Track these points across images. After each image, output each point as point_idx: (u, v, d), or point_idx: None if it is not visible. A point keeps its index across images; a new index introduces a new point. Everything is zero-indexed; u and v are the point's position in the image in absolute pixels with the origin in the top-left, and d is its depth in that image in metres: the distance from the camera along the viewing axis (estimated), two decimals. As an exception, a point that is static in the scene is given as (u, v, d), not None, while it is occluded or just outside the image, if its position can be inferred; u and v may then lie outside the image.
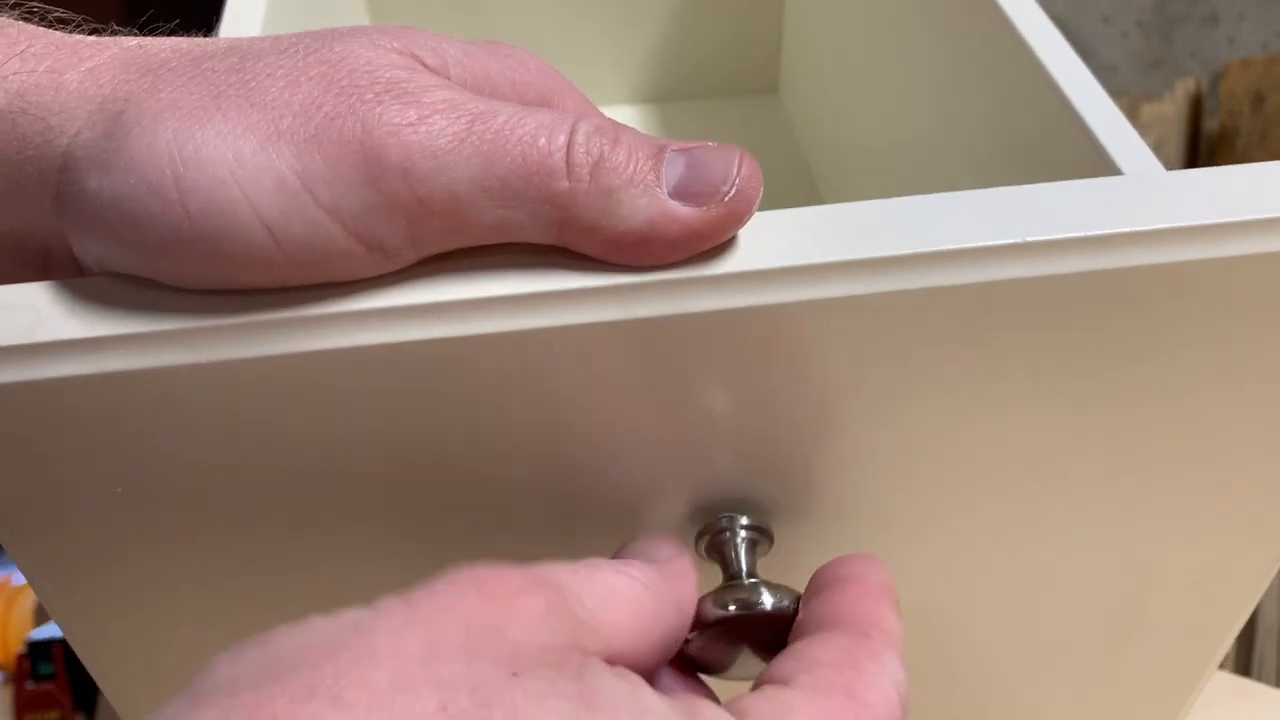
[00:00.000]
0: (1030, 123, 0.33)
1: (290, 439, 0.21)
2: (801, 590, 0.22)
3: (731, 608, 0.22)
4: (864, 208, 0.21)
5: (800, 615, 0.22)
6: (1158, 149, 1.30)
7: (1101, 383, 0.23)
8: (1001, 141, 0.35)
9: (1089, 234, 0.20)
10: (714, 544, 0.24)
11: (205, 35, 0.23)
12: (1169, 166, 0.29)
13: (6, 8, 0.22)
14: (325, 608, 0.25)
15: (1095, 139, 0.28)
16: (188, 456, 0.21)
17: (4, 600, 1.42)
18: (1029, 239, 0.20)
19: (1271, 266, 0.21)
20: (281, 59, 0.20)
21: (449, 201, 0.19)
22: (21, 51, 0.20)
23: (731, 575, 0.24)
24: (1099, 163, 0.28)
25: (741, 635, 0.22)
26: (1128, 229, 0.20)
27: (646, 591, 0.19)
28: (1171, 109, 1.34)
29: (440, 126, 0.19)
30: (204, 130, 0.19)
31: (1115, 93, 1.45)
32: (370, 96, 0.19)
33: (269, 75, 0.20)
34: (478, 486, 0.23)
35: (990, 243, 0.20)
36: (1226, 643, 0.32)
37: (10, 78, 0.20)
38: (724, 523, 0.24)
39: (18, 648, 1.16)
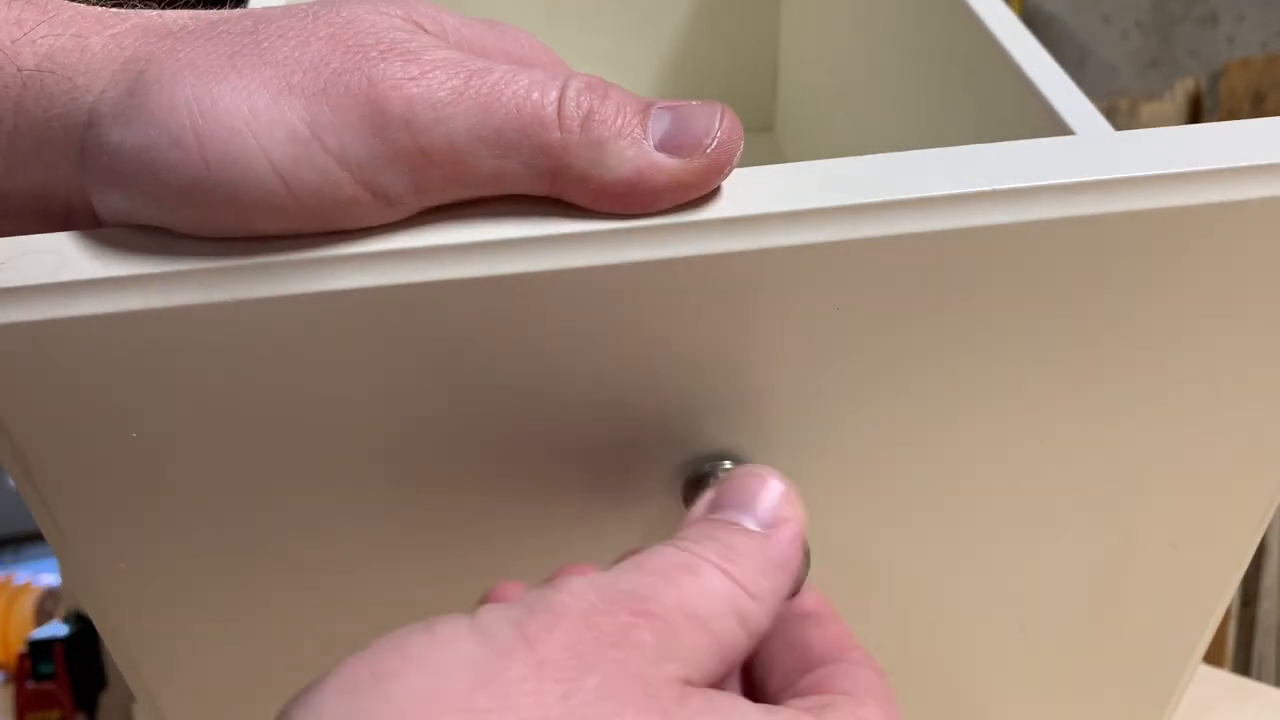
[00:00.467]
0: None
1: (299, 379, 0.22)
2: None
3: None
4: (842, 162, 0.22)
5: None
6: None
7: (1071, 335, 0.24)
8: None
9: (1050, 182, 0.21)
10: (699, 487, 0.26)
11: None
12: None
13: None
14: (336, 555, 0.26)
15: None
16: (202, 397, 0.23)
17: (4, 600, 1.43)
18: (995, 187, 0.21)
19: (1221, 216, 0.22)
20: (292, 22, 0.22)
21: (448, 151, 0.20)
22: (50, 18, 0.22)
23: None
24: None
25: None
26: (1084, 178, 0.21)
27: (749, 604, 0.20)
28: (1171, 109, 1.35)
29: (440, 80, 0.20)
30: (221, 86, 0.20)
31: (1115, 93, 1.46)
32: (375, 54, 0.21)
33: (280, 36, 0.21)
34: (467, 428, 0.24)
35: (959, 190, 0.21)
36: (1210, 622, 0.32)
37: (39, 41, 0.22)
38: (706, 469, 0.25)
39: (18, 647, 1.17)
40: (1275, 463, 0.28)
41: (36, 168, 0.22)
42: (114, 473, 0.24)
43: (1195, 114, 1.36)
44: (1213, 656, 1.09)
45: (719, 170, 0.21)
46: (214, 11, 0.23)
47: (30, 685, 1.09)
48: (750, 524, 0.21)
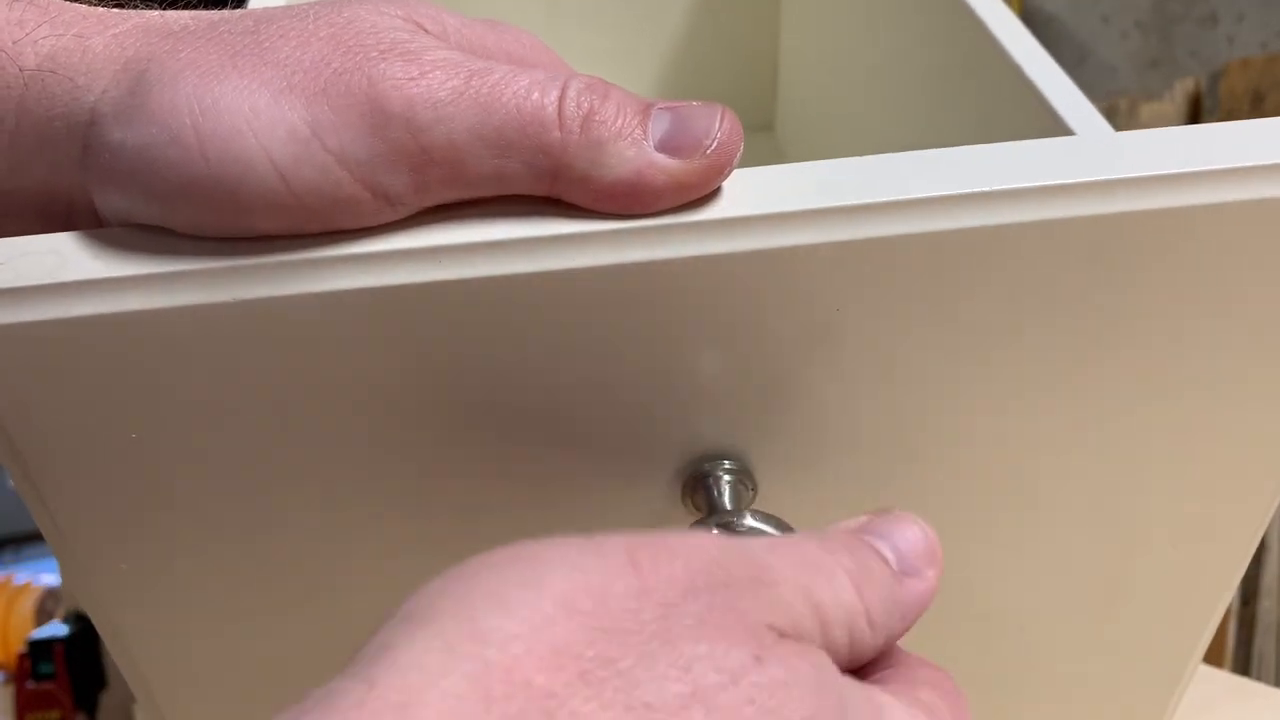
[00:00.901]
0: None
1: (298, 379, 0.23)
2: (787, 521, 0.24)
3: (715, 531, 0.23)
4: (841, 163, 0.22)
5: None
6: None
7: (1070, 335, 0.24)
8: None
9: (1049, 183, 0.21)
10: (699, 489, 0.26)
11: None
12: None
13: None
14: (335, 553, 0.26)
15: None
16: (202, 397, 0.23)
17: (4, 600, 1.43)
18: (995, 188, 0.21)
19: (1221, 216, 0.22)
20: (293, 22, 0.22)
21: (448, 150, 0.20)
22: (52, 18, 0.22)
23: (715, 513, 0.25)
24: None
25: None
26: (1084, 179, 0.21)
27: (864, 627, 0.19)
28: (1171, 109, 1.35)
29: (440, 80, 0.20)
30: (222, 86, 0.20)
31: (1114, 93, 1.46)
32: (376, 55, 0.21)
33: (281, 36, 0.21)
34: (467, 428, 0.24)
35: (959, 191, 0.21)
36: (1211, 621, 0.32)
37: (40, 41, 0.22)
38: (707, 469, 0.25)
39: (18, 647, 1.17)
40: (1275, 462, 0.28)
41: (38, 167, 0.22)
42: (114, 473, 0.24)
43: (1195, 114, 1.36)
44: (1213, 656, 1.09)
45: (719, 171, 0.21)
46: (215, 12, 0.23)
47: (30, 685, 1.09)
48: (891, 559, 0.21)
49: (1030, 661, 0.33)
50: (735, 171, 0.22)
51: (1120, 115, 1.34)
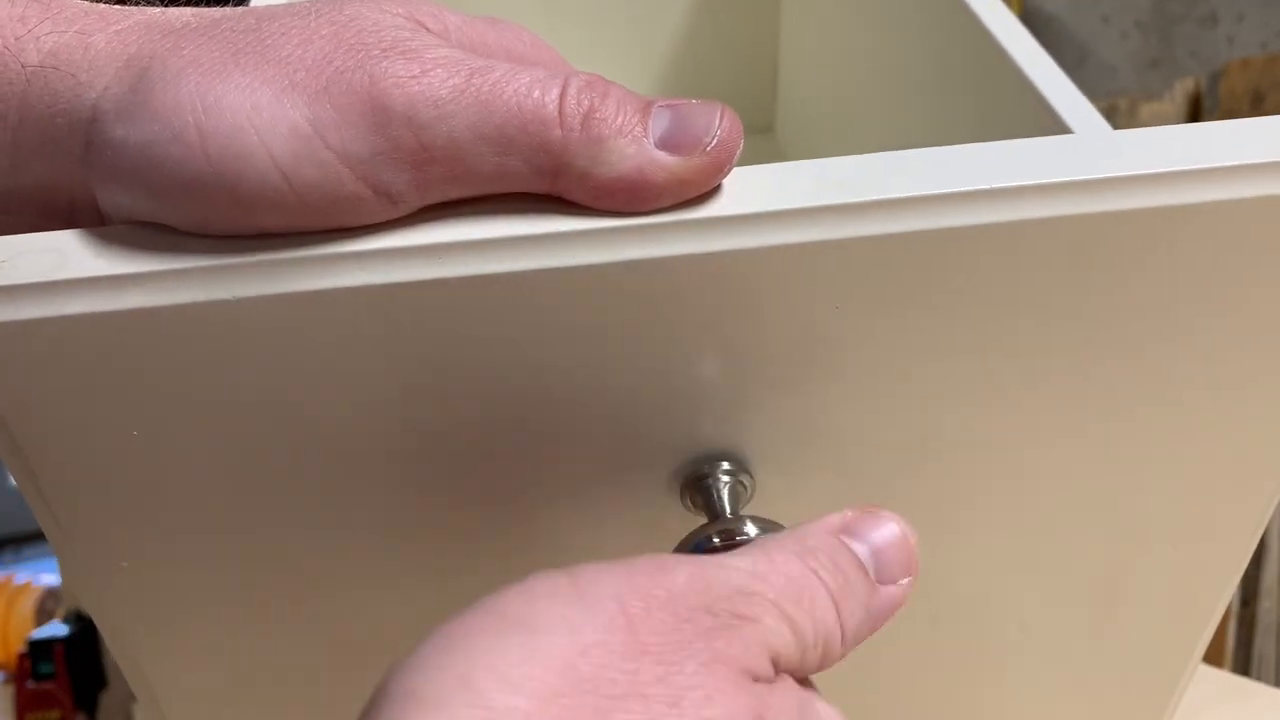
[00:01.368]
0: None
1: (299, 377, 0.23)
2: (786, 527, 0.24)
3: (716, 540, 0.23)
4: (840, 161, 0.22)
5: None
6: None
7: (1069, 333, 0.24)
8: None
9: (1047, 181, 0.21)
10: (697, 490, 0.26)
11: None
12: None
13: None
14: (336, 553, 0.26)
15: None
16: (203, 395, 0.23)
17: (5, 600, 1.43)
18: (993, 186, 0.21)
19: (1219, 214, 0.22)
20: (295, 20, 0.22)
21: (449, 148, 0.21)
22: (54, 15, 0.22)
23: (715, 517, 0.25)
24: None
25: None
26: (1082, 177, 0.21)
27: (837, 642, 0.21)
28: (1171, 109, 1.35)
29: (441, 78, 0.21)
30: (224, 83, 0.20)
31: (1114, 93, 1.46)
32: (377, 53, 0.21)
33: (283, 34, 0.21)
34: (467, 427, 0.24)
35: (957, 189, 0.21)
36: (1210, 621, 0.32)
37: (43, 38, 0.22)
38: (705, 469, 0.25)
39: (18, 647, 1.17)
40: (1275, 462, 0.28)
41: (41, 164, 0.22)
42: (115, 471, 0.24)
43: (1195, 114, 1.36)
44: (1213, 657, 1.09)
45: (719, 168, 0.21)
46: (216, 9, 0.23)
47: (30, 685, 1.10)
48: (870, 566, 0.21)
49: (1030, 661, 0.33)
50: (735, 170, 0.22)
51: (1120, 115, 1.34)
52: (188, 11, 0.23)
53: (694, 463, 0.26)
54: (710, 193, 0.22)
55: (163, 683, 0.29)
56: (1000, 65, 0.34)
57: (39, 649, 1.10)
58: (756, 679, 0.19)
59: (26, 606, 1.42)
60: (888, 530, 0.22)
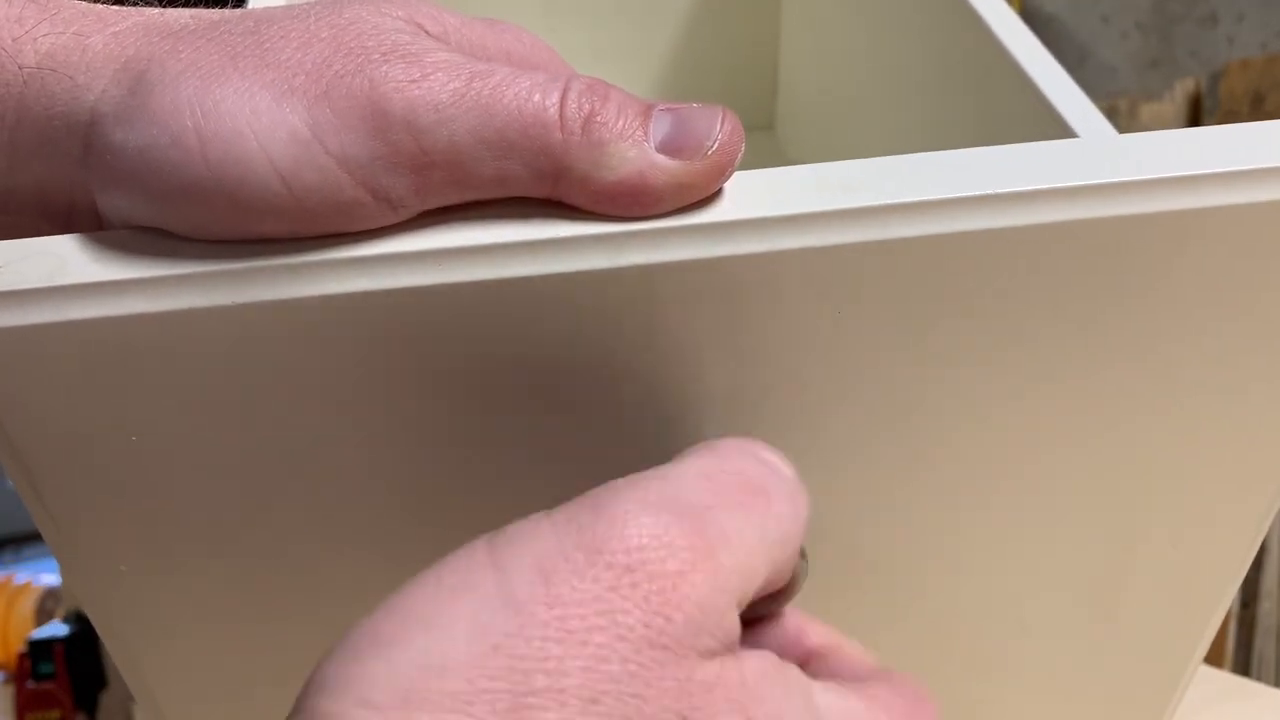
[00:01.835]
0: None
1: (298, 382, 0.22)
2: None
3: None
4: (843, 165, 0.22)
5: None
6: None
7: (1073, 337, 0.24)
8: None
9: (1052, 186, 0.21)
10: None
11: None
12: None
13: None
14: (335, 556, 0.26)
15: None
16: (202, 400, 0.22)
17: (5, 600, 1.43)
18: (997, 190, 0.21)
19: (1225, 219, 0.22)
20: (294, 23, 0.22)
21: (450, 152, 0.20)
22: (51, 16, 0.22)
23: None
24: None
25: None
26: (1087, 182, 0.21)
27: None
28: (1171, 109, 1.35)
29: (441, 82, 0.20)
30: (223, 88, 0.20)
31: (1115, 93, 1.46)
32: (377, 57, 0.21)
33: (283, 37, 0.21)
34: (467, 430, 0.24)
35: (961, 194, 0.21)
36: (1212, 622, 0.32)
37: (40, 39, 0.22)
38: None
39: (18, 647, 1.17)
40: (1276, 464, 0.28)
41: (39, 165, 0.22)
42: (114, 476, 0.24)
43: (1195, 114, 1.36)
44: (1213, 656, 1.09)
45: (720, 172, 0.21)
46: (215, 11, 0.23)
47: (30, 685, 1.10)
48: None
49: (1030, 661, 0.33)
50: (736, 173, 0.22)
51: (1120, 115, 1.34)
52: (186, 13, 0.23)
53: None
54: (712, 197, 0.22)
55: (161, 685, 0.29)
56: (1001, 64, 0.34)
57: (39, 649, 1.10)
58: (709, 653, 0.17)
59: (26, 606, 1.43)
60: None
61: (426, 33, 0.23)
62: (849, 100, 0.53)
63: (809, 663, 0.22)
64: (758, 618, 0.22)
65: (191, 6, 0.24)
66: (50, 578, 1.50)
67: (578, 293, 0.22)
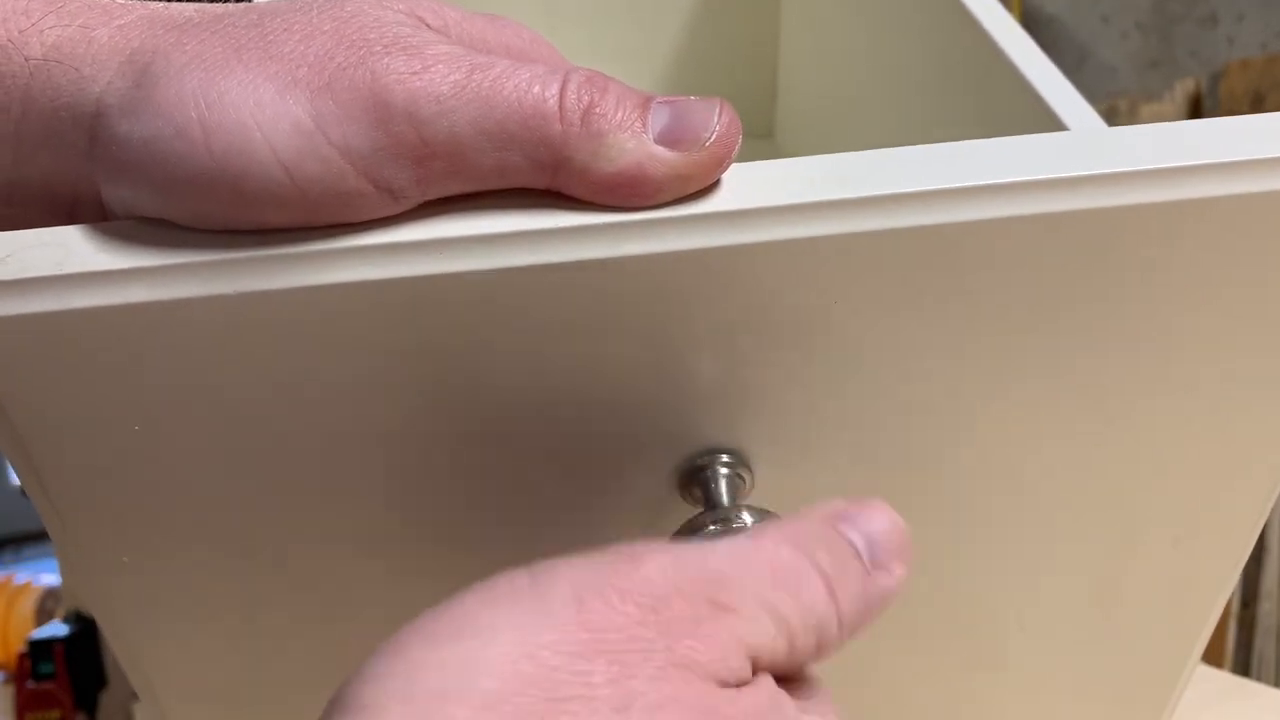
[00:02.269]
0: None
1: (300, 372, 0.23)
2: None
3: (712, 527, 0.23)
4: (839, 157, 0.23)
5: None
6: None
7: (1068, 329, 0.24)
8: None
9: (1046, 176, 0.22)
10: (695, 481, 0.26)
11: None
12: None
13: None
14: (337, 551, 0.26)
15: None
16: (206, 390, 0.23)
17: (5, 600, 1.43)
18: (991, 181, 0.22)
19: (1217, 210, 0.22)
20: (297, 16, 0.22)
21: (450, 143, 0.21)
22: (57, 9, 0.22)
23: (712, 507, 0.25)
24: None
25: None
26: (1080, 172, 0.22)
27: (834, 630, 0.20)
28: (1171, 109, 1.35)
29: (442, 74, 0.21)
30: (227, 80, 0.21)
31: (1115, 93, 1.46)
32: (379, 49, 0.21)
33: (286, 30, 0.21)
34: (467, 421, 0.24)
35: (955, 184, 0.22)
36: (1210, 620, 0.33)
37: (46, 31, 0.22)
38: (703, 460, 0.26)
39: (19, 647, 1.17)
40: (1274, 459, 0.28)
41: (44, 157, 0.22)
42: (117, 465, 0.24)
43: (1195, 115, 1.36)
44: (1213, 656, 1.09)
45: (718, 163, 0.22)
46: (219, 3, 0.23)
47: (30, 685, 1.10)
48: (864, 552, 0.21)
49: (1029, 660, 0.33)
50: (734, 166, 0.22)
51: (1120, 116, 1.34)
52: (190, 6, 0.23)
53: (692, 455, 0.26)
54: (709, 188, 0.22)
55: (162, 681, 0.29)
56: (999, 67, 0.34)
57: (39, 649, 1.10)
58: (724, 683, 0.18)
59: (26, 606, 1.43)
60: (881, 519, 0.21)
61: (427, 26, 0.23)
62: (849, 106, 0.54)
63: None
64: None
65: (196, 0, 0.24)
66: (50, 578, 1.50)
67: (577, 283, 0.22)
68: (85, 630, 1.11)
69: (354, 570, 0.27)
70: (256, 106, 0.20)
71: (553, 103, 0.21)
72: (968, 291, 0.23)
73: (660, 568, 0.18)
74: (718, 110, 0.22)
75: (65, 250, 0.21)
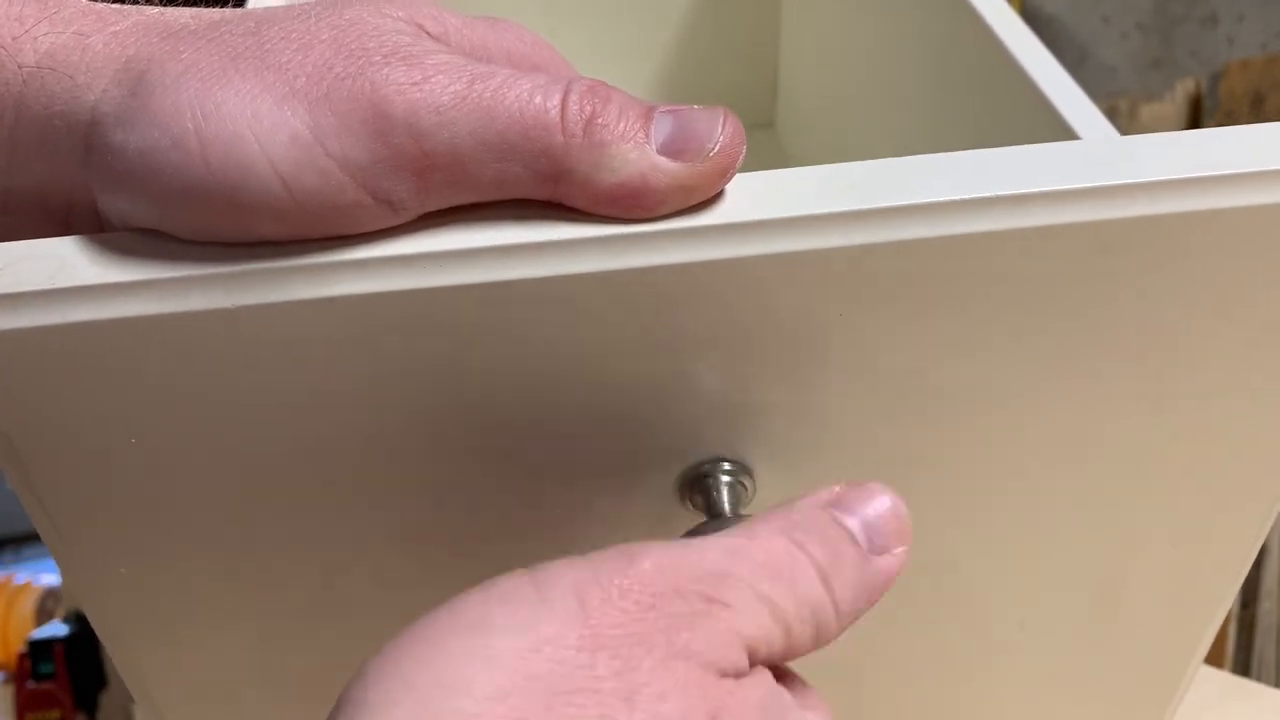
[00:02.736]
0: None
1: (298, 385, 0.22)
2: None
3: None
4: (844, 167, 0.22)
5: None
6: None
7: (1073, 338, 0.24)
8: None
9: (1053, 188, 0.21)
10: (697, 489, 0.26)
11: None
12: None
13: None
14: (334, 559, 0.26)
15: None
16: (201, 403, 0.22)
17: (5, 600, 1.43)
18: (999, 192, 0.21)
19: (1226, 221, 0.22)
20: (295, 24, 0.21)
21: (450, 155, 0.20)
22: (51, 15, 0.22)
23: (714, 516, 0.25)
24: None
25: None
26: (1088, 184, 0.21)
27: (831, 618, 0.20)
28: (1171, 109, 1.35)
29: (442, 85, 0.20)
30: (223, 90, 0.20)
31: (1115, 93, 1.46)
32: (378, 59, 0.21)
33: (283, 39, 0.21)
34: (467, 432, 0.24)
35: (962, 196, 0.21)
36: (1212, 622, 0.33)
37: (40, 38, 0.21)
38: (706, 469, 0.25)
39: (19, 647, 1.17)
40: (1277, 465, 0.28)
41: (38, 165, 0.22)
42: (112, 478, 0.24)
43: (1195, 115, 1.36)
44: (1213, 657, 1.09)
45: (721, 174, 0.21)
46: (215, 10, 0.23)
47: (30, 685, 1.10)
48: (861, 537, 0.21)
49: (1030, 661, 0.33)
50: (737, 176, 0.22)
51: (1121, 116, 1.34)
52: (186, 13, 0.23)
53: (694, 464, 0.26)
54: (713, 199, 0.22)
55: (160, 686, 0.29)
56: (1002, 64, 0.34)
57: (39, 649, 1.10)
58: (723, 674, 0.18)
59: (26, 606, 1.42)
60: (878, 502, 0.21)
61: (427, 34, 0.22)
62: (849, 99, 0.53)
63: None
64: None
65: (192, 6, 0.24)
66: (50, 578, 1.50)
67: (578, 295, 0.21)
68: (85, 630, 1.11)
69: (352, 578, 0.27)
70: (254, 118, 0.20)
71: (554, 113, 0.21)
72: (973, 302, 0.23)
73: (657, 566, 0.19)
74: (721, 120, 0.21)
75: (59, 263, 0.21)
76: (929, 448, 0.26)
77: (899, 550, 0.21)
